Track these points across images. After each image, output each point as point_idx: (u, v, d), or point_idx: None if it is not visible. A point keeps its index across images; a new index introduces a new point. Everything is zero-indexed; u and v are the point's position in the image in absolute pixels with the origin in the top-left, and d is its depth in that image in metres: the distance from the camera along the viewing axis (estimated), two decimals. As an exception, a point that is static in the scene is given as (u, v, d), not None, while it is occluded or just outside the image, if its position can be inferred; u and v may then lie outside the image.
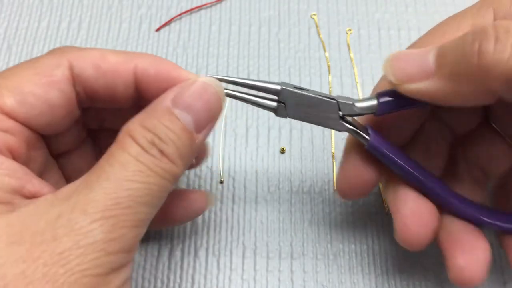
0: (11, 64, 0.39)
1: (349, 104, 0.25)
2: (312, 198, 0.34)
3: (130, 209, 0.20)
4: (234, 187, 0.34)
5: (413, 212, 0.25)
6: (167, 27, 0.40)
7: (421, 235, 0.25)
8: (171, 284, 0.31)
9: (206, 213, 0.33)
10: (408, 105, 0.25)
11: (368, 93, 0.37)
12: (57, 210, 0.20)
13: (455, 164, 0.29)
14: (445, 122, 0.28)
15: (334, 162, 0.35)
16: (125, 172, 0.21)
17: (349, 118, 0.26)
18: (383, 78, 0.27)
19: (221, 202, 0.34)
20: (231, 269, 0.32)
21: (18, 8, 0.41)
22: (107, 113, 0.27)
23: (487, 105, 0.26)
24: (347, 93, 0.38)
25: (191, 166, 0.30)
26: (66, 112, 0.24)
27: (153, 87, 0.24)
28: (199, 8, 0.41)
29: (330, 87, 0.38)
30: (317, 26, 0.41)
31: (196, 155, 0.25)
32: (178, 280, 0.31)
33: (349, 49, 0.40)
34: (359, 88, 0.38)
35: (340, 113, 0.25)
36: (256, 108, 0.37)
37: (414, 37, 0.40)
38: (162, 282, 0.31)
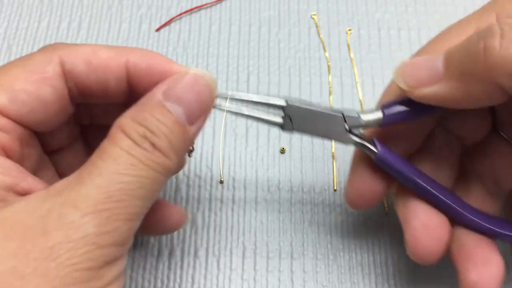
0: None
1: (354, 116, 0.25)
2: (312, 198, 0.34)
3: (123, 203, 0.20)
4: (234, 187, 0.34)
5: (424, 225, 0.25)
6: (167, 27, 0.40)
7: (432, 249, 0.25)
8: (171, 284, 0.31)
9: (206, 213, 0.33)
10: (414, 115, 0.25)
11: (368, 93, 0.37)
12: (48, 205, 0.20)
13: (466, 175, 0.28)
14: (453, 133, 0.28)
15: (334, 162, 0.35)
16: (117, 166, 0.21)
17: (355, 131, 0.26)
18: (390, 86, 0.27)
19: (221, 202, 0.34)
20: (231, 269, 0.32)
21: (18, 8, 0.41)
22: (99, 109, 0.27)
23: (497, 108, 0.26)
24: (347, 93, 0.38)
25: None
26: (59, 108, 0.24)
27: (145, 81, 0.24)
28: (199, 8, 0.41)
29: (330, 87, 0.38)
30: (317, 26, 0.41)
31: (190, 147, 0.25)
32: (178, 280, 0.31)
33: (349, 49, 0.40)
34: (359, 88, 0.38)
35: (346, 126, 0.25)
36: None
37: (414, 37, 0.40)
38: (162, 282, 0.31)
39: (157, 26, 0.40)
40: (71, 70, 0.24)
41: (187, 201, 0.34)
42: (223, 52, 0.39)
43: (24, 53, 0.39)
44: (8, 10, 0.41)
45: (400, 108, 0.25)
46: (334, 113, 0.25)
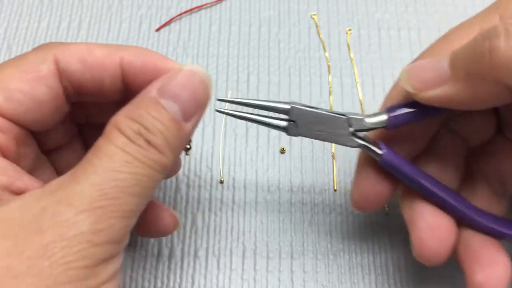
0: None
1: (359, 119, 0.25)
2: (312, 198, 0.34)
3: (117, 200, 0.20)
4: (234, 187, 0.34)
5: (430, 227, 0.25)
6: (167, 27, 0.40)
7: (439, 250, 0.25)
8: (171, 284, 0.31)
9: (206, 213, 0.33)
10: (419, 117, 0.25)
11: (368, 93, 0.37)
12: (43, 203, 0.20)
13: (471, 177, 0.28)
14: (458, 134, 0.28)
15: (334, 162, 0.35)
16: (112, 164, 0.21)
17: (360, 134, 0.26)
18: (393, 89, 0.27)
19: (221, 202, 0.34)
20: (231, 269, 0.32)
21: (18, 8, 0.41)
22: (96, 108, 0.27)
23: (501, 109, 0.26)
24: (347, 93, 0.38)
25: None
26: (55, 107, 0.24)
27: (140, 79, 0.24)
28: (199, 8, 0.41)
29: (330, 87, 0.38)
30: (317, 26, 0.41)
31: (187, 144, 0.25)
32: (178, 280, 0.31)
33: (349, 49, 0.40)
34: (359, 88, 0.38)
35: (351, 129, 0.26)
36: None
37: (414, 37, 0.40)
38: (162, 282, 0.31)
39: (157, 26, 0.40)
40: (66, 68, 0.24)
41: (187, 201, 0.34)
42: (223, 52, 0.39)
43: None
44: (8, 10, 0.41)
45: (405, 110, 0.25)
46: (338, 117, 0.25)
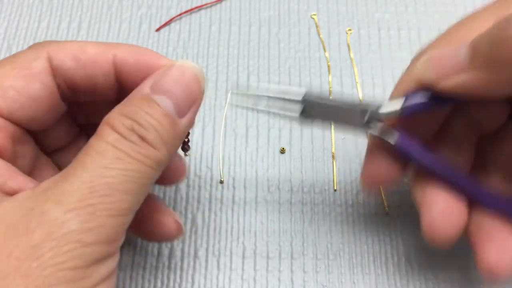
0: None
1: (374, 106, 0.25)
2: (312, 198, 0.34)
3: (109, 198, 0.20)
4: (234, 187, 0.34)
5: (441, 210, 0.25)
6: (167, 27, 0.40)
7: (449, 233, 0.25)
8: (171, 284, 0.31)
9: (206, 213, 0.33)
10: (433, 106, 0.25)
11: (368, 93, 0.37)
12: (32, 203, 0.20)
13: (483, 163, 0.28)
14: (471, 119, 0.28)
15: (334, 162, 0.35)
16: (103, 160, 0.20)
17: (374, 120, 0.26)
18: (406, 74, 0.27)
19: (221, 202, 0.34)
20: (231, 269, 0.32)
21: (18, 8, 0.41)
22: (94, 108, 0.27)
23: None
24: (347, 93, 0.38)
25: (168, 183, 0.29)
26: (50, 105, 0.24)
27: (133, 77, 0.24)
28: (199, 8, 0.41)
29: (330, 87, 0.38)
30: (317, 26, 0.41)
31: (182, 141, 0.24)
32: (178, 280, 0.31)
33: (349, 49, 0.40)
34: (359, 88, 0.38)
35: (366, 116, 0.25)
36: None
37: (414, 37, 0.40)
38: (162, 282, 0.31)
39: (157, 26, 0.40)
40: (59, 66, 0.23)
41: (187, 201, 0.34)
42: (223, 52, 0.39)
43: (24, 53, 0.39)
44: (8, 10, 0.41)
45: (419, 99, 0.25)
46: (352, 104, 0.25)
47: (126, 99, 0.22)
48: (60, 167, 0.27)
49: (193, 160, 0.35)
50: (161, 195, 0.34)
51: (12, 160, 0.23)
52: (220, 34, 0.40)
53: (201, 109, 0.33)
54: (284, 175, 0.35)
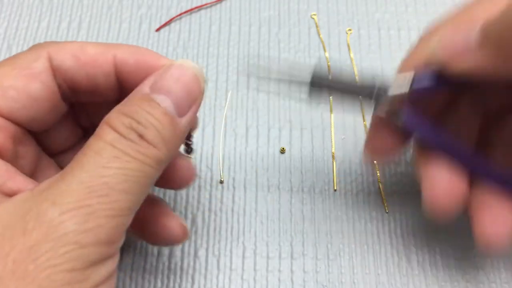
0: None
1: (382, 85, 0.26)
2: (312, 198, 0.34)
3: (106, 197, 0.19)
4: (234, 187, 0.34)
5: (442, 184, 0.26)
6: (167, 27, 0.40)
7: (450, 207, 0.25)
8: (171, 284, 0.31)
9: (206, 213, 0.33)
10: (442, 86, 0.25)
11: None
12: (30, 204, 0.19)
13: (488, 137, 0.28)
14: (478, 96, 0.28)
15: (334, 162, 0.35)
16: (101, 160, 0.20)
17: (381, 97, 0.26)
18: (414, 52, 0.27)
19: (221, 202, 0.34)
20: (231, 269, 0.32)
21: (18, 8, 0.41)
22: (96, 109, 0.27)
23: None
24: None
25: (177, 186, 0.28)
26: (51, 105, 0.24)
27: (134, 77, 0.24)
28: (199, 8, 0.41)
29: (330, 87, 0.38)
30: (317, 26, 0.41)
31: (189, 148, 0.24)
32: (178, 280, 0.31)
33: (349, 49, 0.40)
34: (359, 88, 0.38)
35: (373, 92, 0.26)
36: (256, 108, 0.37)
37: (414, 37, 0.40)
38: (162, 282, 0.31)
39: (157, 26, 0.40)
40: (60, 66, 0.23)
41: (187, 201, 0.34)
42: (223, 52, 0.39)
43: (24, 53, 0.39)
44: (8, 10, 0.41)
45: (427, 81, 0.25)
46: (361, 81, 0.26)
47: (125, 99, 0.22)
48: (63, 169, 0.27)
49: (193, 160, 0.35)
50: (161, 196, 0.34)
51: (13, 160, 0.23)
52: (220, 34, 0.40)
53: (201, 109, 0.33)
54: (284, 175, 0.35)
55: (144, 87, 0.22)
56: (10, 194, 0.21)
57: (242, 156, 0.35)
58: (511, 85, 0.26)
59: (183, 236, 0.27)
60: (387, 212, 0.33)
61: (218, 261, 0.32)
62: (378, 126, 0.28)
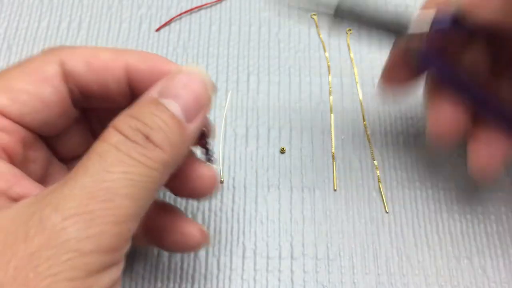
0: (11, 64, 0.39)
1: (403, 21, 0.27)
2: (312, 198, 0.34)
3: (109, 203, 0.19)
4: (234, 187, 0.34)
5: (446, 116, 0.28)
6: (167, 27, 0.40)
7: (449, 136, 0.28)
8: (171, 284, 0.31)
9: (206, 213, 0.33)
10: (460, 31, 0.27)
11: (368, 93, 0.37)
12: (33, 209, 0.19)
13: (499, 75, 0.29)
14: (494, 38, 0.29)
15: (334, 162, 0.35)
16: (104, 163, 0.19)
17: (402, 32, 0.28)
18: None
19: (221, 202, 0.34)
20: (231, 269, 0.32)
21: (18, 8, 0.41)
22: (109, 115, 0.27)
23: None
24: (347, 93, 0.38)
25: (197, 196, 0.27)
26: (61, 110, 0.24)
27: (145, 83, 0.24)
28: (199, 8, 0.41)
29: (330, 87, 0.38)
30: (317, 26, 0.41)
31: (190, 146, 0.24)
32: (178, 280, 0.31)
33: (349, 49, 0.40)
34: (359, 88, 0.38)
35: (394, 25, 0.27)
36: (256, 108, 0.37)
37: (414, 37, 0.40)
38: (162, 282, 0.31)
39: (157, 26, 0.40)
40: (71, 70, 0.23)
41: (187, 201, 0.34)
42: (223, 52, 0.39)
43: (24, 53, 0.39)
44: (8, 10, 0.41)
45: (448, 23, 0.26)
46: (384, 19, 0.28)
47: (134, 104, 0.22)
48: None
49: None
50: (161, 196, 0.34)
51: (23, 164, 0.23)
52: (220, 34, 0.40)
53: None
54: (284, 175, 0.35)
55: (152, 92, 0.22)
56: (16, 199, 0.21)
57: (242, 156, 0.35)
58: None
59: (204, 242, 0.27)
60: (387, 212, 0.33)
61: (218, 261, 0.32)
62: (396, 60, 0.29)
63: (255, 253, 0.32)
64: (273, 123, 0.36)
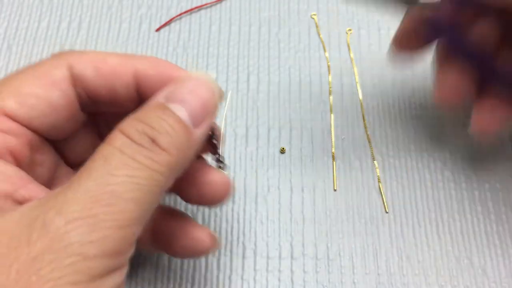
0: (11, 64, 0.39)
1: None
2: (312, 198, 0.34)
3: (112, 207, 0.18)
4: (234, 187, 0.34)
5: (452, 81, 0.29)
6: (167, 27, 0.40)
7: (454, 100, 0.29)
8: (171, 284, 0.31)
9: (206, 213, 0.33)
10: (473, 3, 0.28)
11: (368, 93, 0.37)
12: (36, 212, 0.19)
13: (507, 45, 0.30)
14: (502, 9, 0.29)
15: (334, 162, 0.35)
16: (108, 167, 0.19)
17: (414, 1, 0.29)
18: None
19: (221, 202, 0.34)
20: (231, 269, 0.32)
21: (18, 8, 0.41)
22: (117, 120, 0.27)
23: None
24: (347, 93, 0.38)
25: (209, 202, 0.26)
26: (69, 114, 0.24)
27: (153, 89, 0.24)
28: (199, 8, 0.41)
29: (330, 87, 0.38)
30: (317, 26, 0.41)
31: (196, 152, 0.24)
32: (178, 280, 0.31)
33: (349, 49, 0.40)
34: (359, 88, 0.38)
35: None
36: (256, 108, 0.37)
37: (414, 37, 0.40)
38: (162, 282, 0.31)
39: (157, 26, 0.40)
40: (80, 75, 0.23)
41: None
42: (223, 52, 0.39)
43: (24, 53, 0.39)
44: (8, 10, 0.41)
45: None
46: None
47: (140, 108, 0.22)
48: None
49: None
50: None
51: (30, 168, 0.23)
52: (220, 34, 0.40)
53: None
54: (284, 175, 0.35)
55: (159, 97, 0.22)
56: (22, 202, 0.21)
57: (242, 156, 0.35)
58: None
59: (213, 246, 0.26)
60: (387, 212, 0.33)
61: (218, 261, 0.32)
62: (407, 28, 0.30)
63: (255, 253, 0.32)
64: (273, 123, 0.36)
